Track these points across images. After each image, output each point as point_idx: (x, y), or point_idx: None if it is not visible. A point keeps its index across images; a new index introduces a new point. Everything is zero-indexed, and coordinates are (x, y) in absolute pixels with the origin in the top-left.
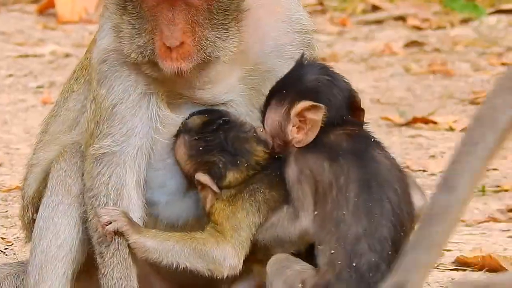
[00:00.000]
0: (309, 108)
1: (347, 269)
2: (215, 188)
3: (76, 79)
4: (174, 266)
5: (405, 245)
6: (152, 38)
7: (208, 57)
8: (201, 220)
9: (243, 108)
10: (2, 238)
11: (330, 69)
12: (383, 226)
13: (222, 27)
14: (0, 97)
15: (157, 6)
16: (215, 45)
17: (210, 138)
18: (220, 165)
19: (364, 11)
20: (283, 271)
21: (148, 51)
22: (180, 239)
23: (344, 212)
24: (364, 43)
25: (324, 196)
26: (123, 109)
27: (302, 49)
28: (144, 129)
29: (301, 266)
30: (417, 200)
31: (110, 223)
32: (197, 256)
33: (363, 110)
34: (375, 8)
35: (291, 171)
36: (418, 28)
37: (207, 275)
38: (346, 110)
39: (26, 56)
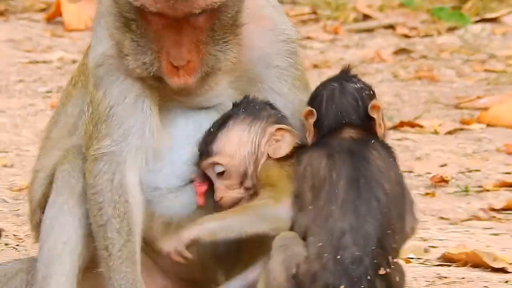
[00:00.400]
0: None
1: (332, 261)
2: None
3: (74, 84)
4: (240, 237)
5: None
6: (158, 57)
7: (211, 70)
8: (192, 217)
9: None
10: (14, 235)
11: (346, 76)
12: (368, 222)
13: (222, 42)
14: (11, 101)
15: (163, 29)
16: (217, 58)
17: (254, 103)
18: (280, 116)
19: (356, 20)
20: (285, 249)
21: (154, 68)
22: (238, 211)
23: (333, 207)
24: (355, 50)
25: (319, 191)
26: (119, 110)
27: (287, 57)
28: (141, 130)
29: (300, 249)
30: (408, 221)
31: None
32: (261, 220)
33: (373, 118)
34: (366, 17)
35: (298, 167)
36: (407, 36)
37: (272, 235)
38: (356, 115)
39: (35, 62)
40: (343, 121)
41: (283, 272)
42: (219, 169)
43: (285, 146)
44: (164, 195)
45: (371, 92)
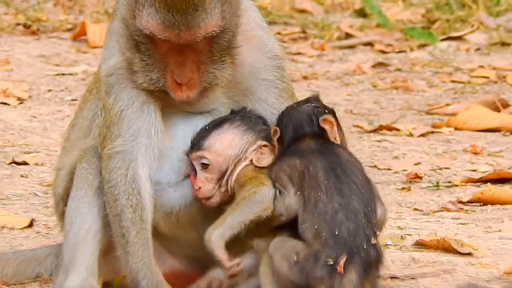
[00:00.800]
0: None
1: (331, 238)
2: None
3: (90, 91)
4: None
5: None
6: (164, 74)
7: (209, 85)
8: (189, 207)
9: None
10: (44, 224)
11: (305, 99)
12: (353, 200)
13: (219, 61)
14: (41, 108)
15: (168, 52)
16: (214, 76)
17: (250, 115)
18: (269, 133)
19: (339, 38)
20: (281, 247)
21: (160, 84)
22: (233, 209)
23: (319, 194)
24: (339, 64)
25: (301, 183)
26: (129, 113)
27: (274, 72)
28: (148, 131)
29: (294, 243)
30: (379, 207)
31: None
32: (254, 205)
33: (323, 127)
34: (348, 35)
35: (273, 169)
36: (383, 52)
37: (266, 216)
38: (310, 127)
39: (63, 74)
40: (300, 132)
41: (285, 263)
42: (205, 161)
43: (268, 159)
44: (165, 189)
45: (325, 110)
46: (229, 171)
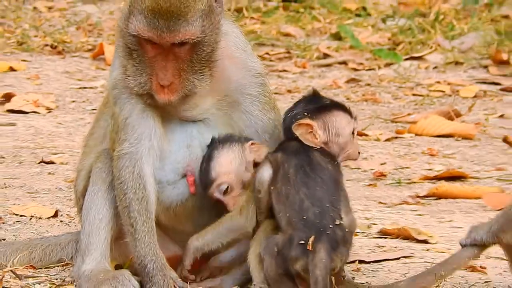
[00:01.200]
0: None
1: (300, 222)
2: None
3: (105, 104)
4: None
5: None
6: (150, 78)
7: (188, 92)
8: (185, 203)
9: (214, 124)
10: (67, 214)
11: (291, 106)
12: (318, 191)
13: (199, 72)
14: (66, 116)
15: (155, 56)
16: (193, 84)
17: (223, 137)
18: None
19: (318, 58)
20: (266, 246)
21: (147, 87)
22: (214, 227)
23: (289, 187)
24: (318, 80)
25: (276, 176)
26: (132, 121)
27: (257, 87)
28: (149, 135)
29: (274, 237)
30: (344, 213)
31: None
32: (229, 231)
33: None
34: (325, 55)
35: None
36: (355, 70)
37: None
38: (289, 133)
39: (84, 88)
40: (289, 135)
41: (269, 258)
42: (224, 187)
43: (264, 151)
44: (164, 187)
45: (303, 115)
46: (246, 178)
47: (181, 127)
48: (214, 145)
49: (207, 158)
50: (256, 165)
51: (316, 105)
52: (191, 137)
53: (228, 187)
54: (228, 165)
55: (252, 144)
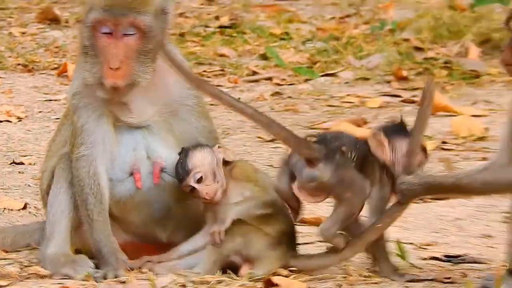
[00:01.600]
0: None
1: None
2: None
3: (65, 116)
4: None
5: None
6: (102, 66)
7: (133, 82)
8: (132, 198)
9: (156, 130)
10: (34, 207)
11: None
12: None
13: (144, 62)
14: (35, 124)
15: (108, 46)
16: (138, 75)
17: (187, 146)
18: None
19: (248, 75)
20: None
21: (99, 75)
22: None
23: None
24: (248, 93)
25: None
26: (88, 127)
27: (193, 99)
28: (103, 139)
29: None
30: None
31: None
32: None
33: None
34: (254, 73)
35: None
36: (279, 84)
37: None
38: None
39: (50, 100)
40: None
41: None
42: (197, 175)
43: (229, 152)
44: (115, 184)
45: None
46: (216, 172)
47: (128, 133)
48: (187, 149)
49: (184, 156)
50: (225, 163)
51: (399, 130)
52: (137, 141)
53: (202, 176)
54: (202, 160)
55: (219, 147)
